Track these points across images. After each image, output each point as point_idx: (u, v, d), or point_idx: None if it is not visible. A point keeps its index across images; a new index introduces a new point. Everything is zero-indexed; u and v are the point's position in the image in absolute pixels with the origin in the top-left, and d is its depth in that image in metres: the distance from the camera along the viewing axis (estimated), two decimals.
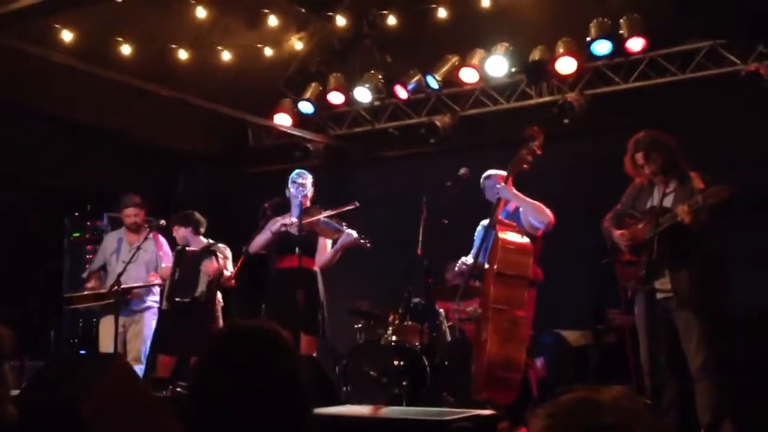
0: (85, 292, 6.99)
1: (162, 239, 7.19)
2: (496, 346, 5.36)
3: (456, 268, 6.13)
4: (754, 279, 6.31)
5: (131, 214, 7.09)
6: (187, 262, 6.78)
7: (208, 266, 6.69)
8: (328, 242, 6.33)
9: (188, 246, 6.95)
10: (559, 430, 1.27)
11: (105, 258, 7.13)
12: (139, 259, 6.88)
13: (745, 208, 4.83)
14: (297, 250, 5.99)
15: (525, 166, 5.77)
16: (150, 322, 6.96)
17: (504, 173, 5.87)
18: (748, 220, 6.17)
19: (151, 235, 6.99)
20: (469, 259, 5.97)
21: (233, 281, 6.64)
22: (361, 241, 6.14)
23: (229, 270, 6.81)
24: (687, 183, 4.66)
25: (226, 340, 1.69)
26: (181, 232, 6.97)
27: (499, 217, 5.76)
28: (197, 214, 7.03)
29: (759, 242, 6.54)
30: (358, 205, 6.25)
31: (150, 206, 7.34)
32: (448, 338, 6.91)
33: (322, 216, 6.13)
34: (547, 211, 5.62)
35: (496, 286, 5.46)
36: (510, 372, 5.32)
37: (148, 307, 7.00)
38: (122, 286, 6.56)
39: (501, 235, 5.58)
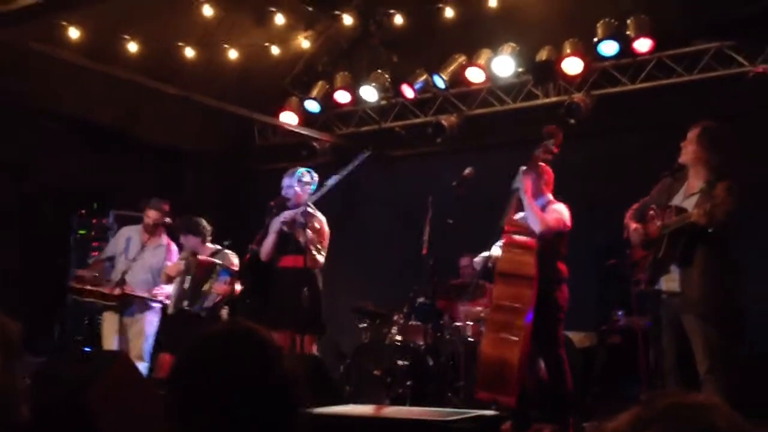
0: (88, 287, 6.92)
1: (174, 249, 7.10)
2: (490, 345, 5.32)
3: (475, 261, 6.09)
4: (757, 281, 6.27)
5: (151, 216, 6.97)
6: (198, 273, 6.72)
7: (219, 287, 6.59)
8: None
9: (197, 253, 6.91)
10: None
11: (115, 251, 7.11)
12: (146, 262, 6.88)
13: (754, 209, 4.79)
14: (292, 249, 6.03)
15: (541, 163, 5.72)
16: (151, 319, 6.92)
17: None
18: (755, 220, 6.13)
19: (164, 242, 6.98)
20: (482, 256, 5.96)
21: (238, 290, 6.60)
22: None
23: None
24: (713, 189, 4.59)
25: (200, 347, 1.68)
26: (190, 241, 6.90)
27: (513, 217, 5.68)
28: (204, 222, 6.94)
29: (763, 242, 6.51)
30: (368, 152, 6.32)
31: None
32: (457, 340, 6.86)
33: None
34: (544, 222, 5.43)
35: (498, 285, 5.44)
36: (503, 372, 5.19)
37: (149, 308, 6.98)
38: (126, 292, 6.57)
39: (505, 234, 5.56)
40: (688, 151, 4.77)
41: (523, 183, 5.59)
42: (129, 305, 6.79)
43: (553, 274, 5.52)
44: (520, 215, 5.69)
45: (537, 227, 5.44)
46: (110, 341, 6.73)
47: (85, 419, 3.45)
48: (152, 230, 7.03)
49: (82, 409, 3.48)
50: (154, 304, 6.95)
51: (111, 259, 7.10)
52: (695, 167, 4.77)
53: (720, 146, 4.73)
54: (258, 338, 1.65)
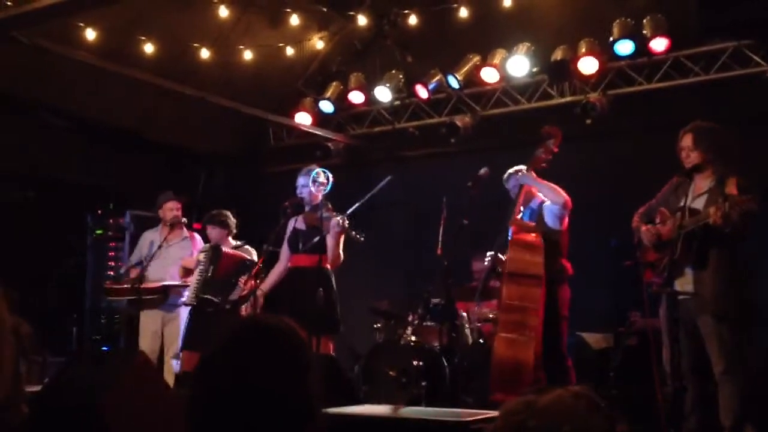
0: (125, 286, 7.02)
1: (198, 239, 7.22)
2: (504, 346, 5.35)
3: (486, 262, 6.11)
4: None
5: (173, 207, 7.11)
6: (225, 266, 6.71)
7: (248, 284, 6.56)
8: (330, 239, 6.18)
9: (220, 245, 6.94)
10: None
11: (141, 256, 7.18)
12: (175, 255, 6.98)
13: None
14: (308, 248, 6.03)
15: (543, 164, 5.77)
16: (185, 316, 7.03)
17: (523, 168, 5.86)
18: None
19: (187, 234, 7.09)
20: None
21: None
22: (353, 233, 6.06)
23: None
24: (722, 187, 4.60)
25: (240, 335, 1.64)
26: (216, 232, 6.95)
27: (517, 217, 5.74)
28: (229, 214, 7.03)
29: None
30: (391, 177, 6.31)
31: None
32: (470, 340, 6.86)
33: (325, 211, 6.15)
34: (563, 192, 5.65)
35: (508, 286, 5.46)
36: (519, 373, 5.24)
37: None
38: (164, 283, 6.74)
39: (513, 234, 5.58)
40: (692, 158, 4.78)
41: (530, 177, 5.72)
42: (167, 296, 6.91)
43: (557, 272, 5.59)
44: (519, 216, 5.82)
45: (559, 199, 5.61)
46: (147, 341, 6.85)
47: (101, 424, 3.46)
48: (174, 224, 7.09)
49: (98, 414, 3.49)
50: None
51: (139, 264, 7.17)
52: (703, 169, 4.78)
53: (717, 142, 4.76)
54: (300, 347, 1.62)
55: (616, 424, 1.30)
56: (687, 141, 4.82)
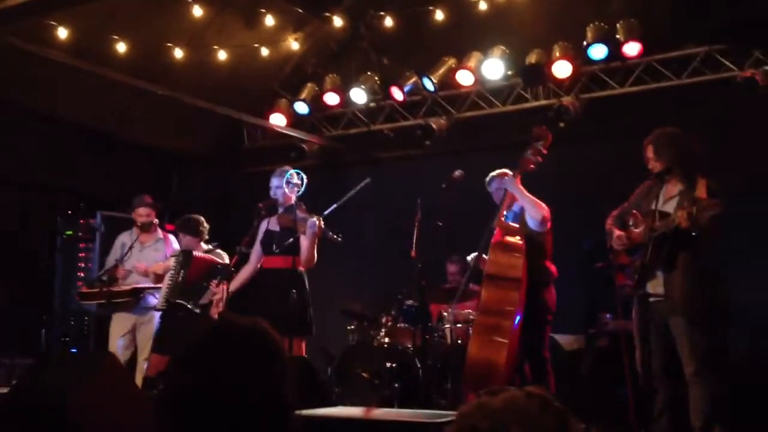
0: (96, 290, 6.96)
1: (172, 240, 7.18)
2: (477, 348, 5.31)
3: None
4: (742, 284, 6.29)
5: (143, 213, 7.10)
6: (196, 270, 6.67)
7: (219, 290, 6.48)
8: (304, 240, 6.13)
9: (192, 250, 6.90)
10: None
11: (116, 258, 7.12)
12: (150, 259, 6.93)
13: (740, 213, 4.82)
14: (281, 250, 6.00)
15: (531, 166, 5.73)
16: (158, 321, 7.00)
17: (508, 172, 5.83)
18: (741, 225, 6.15)
19: (161, 235, 7.09)
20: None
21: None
22: (330, 233, 6.04)
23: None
24: (692, 190, 4.65)
25: (214, 335, 1.62)
26: (187, 240, 6.93)
27: (502, 219, 5.70)
28: (202, 221, 6.99)
29: (750, 246, 6.53)
30: (369, 180, 6.25)
31: None
32: (449, 341, 6.86)
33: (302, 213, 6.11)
34: (543, 208, 5.57)
35: (487, 289, 5.42)
36: (491, 375, 5.17)
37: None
38: (136, 286, 6.75)
39: (496, 237, 5.56)
40: (656, 167, 4.84)
41: (514, 185, 5.64)
42: (139, 299, 6.90)
43: (542, 274, 5.56)
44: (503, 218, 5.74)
45: (538, 215, 5.53)
46: (116, 342, 6.82)
47: (72, 425, 3.42)
48: (147, 227, 7.10)
49: (68, 415, 3.44)
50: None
51: (116, 267, 7.11)
52: (671, 174, 4.83)
53: (680, 149, 4.80)
54: (274, 349, 1.61)
55: (569, 422, 1.31)
56: (649, 152, 4.89)
